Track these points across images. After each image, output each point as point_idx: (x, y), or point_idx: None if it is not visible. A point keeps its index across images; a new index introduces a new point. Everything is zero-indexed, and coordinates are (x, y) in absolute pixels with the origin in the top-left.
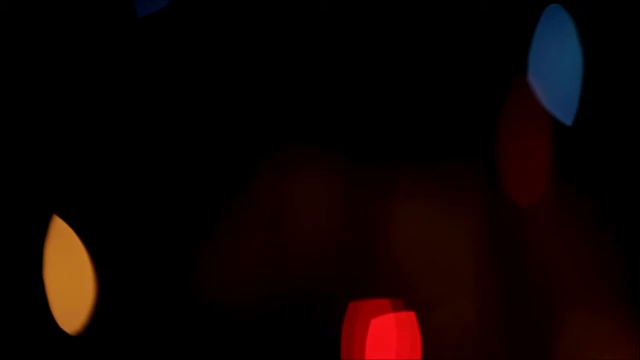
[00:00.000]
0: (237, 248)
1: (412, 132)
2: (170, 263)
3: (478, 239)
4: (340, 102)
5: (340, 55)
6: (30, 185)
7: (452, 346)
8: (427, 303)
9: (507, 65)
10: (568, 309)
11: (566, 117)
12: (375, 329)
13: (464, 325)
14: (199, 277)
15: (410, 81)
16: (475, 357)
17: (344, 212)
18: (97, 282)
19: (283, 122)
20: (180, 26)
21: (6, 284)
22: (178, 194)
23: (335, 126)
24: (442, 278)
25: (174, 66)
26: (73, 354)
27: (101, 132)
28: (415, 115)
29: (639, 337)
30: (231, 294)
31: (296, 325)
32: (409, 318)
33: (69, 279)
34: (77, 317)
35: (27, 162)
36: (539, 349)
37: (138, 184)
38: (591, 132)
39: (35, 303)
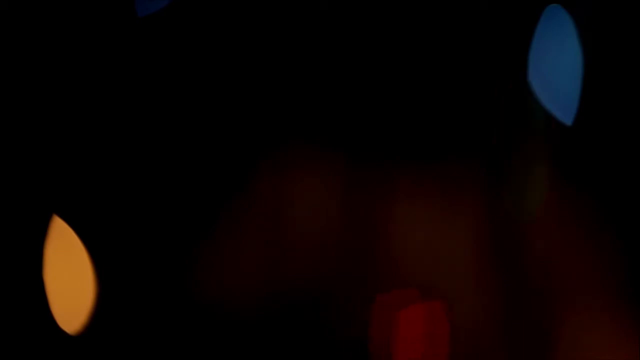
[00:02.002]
0: (237, 248)
1: (412, 132)
2: (170, 263)
3: (478, 239)
4: (340, 102)
5: (341, 55)
6: (30, 185)
7: (451, 346)
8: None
9: (507, 65)
10: (568, 309)
11: (566, 117)
12: (404, 319)
13: (464, 325)
14: (199, 277)
15: (410, 81)
16: (476, 357)
17: (344, 212)
18: (97, 282)
19: (283, 122)
20: (180, 26)
21: (6, 284)
22: (178, 194)
23: (335, 126)
24: (442, 278)
25: (174, 66)
26: (73, 354)
27: (101, 132)
28: (415, 115)
29: (639, 337)
30: (231, 294)
31: (296, 325)
32: (438, 307)
33: (69, 279)
34: (77, 317)
35: (27, 162)
36: (539, 349)
37: (138, 184)
38: (591, 132)
39: (35, 303)
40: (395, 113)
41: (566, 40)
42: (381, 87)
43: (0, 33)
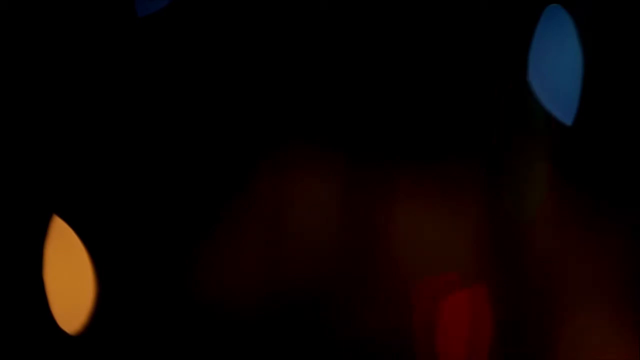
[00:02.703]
0: (237, 248)
1: (412, 132)
2: (170, 263)
3: (478, 239)
4: (340, 102)
5: (340, 55)
6: (30, 185)
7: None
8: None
9: (507, 65)
10: (568, 309)
11: (566, 117)
12: (447, 305)
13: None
14: (199, 277)
15: (410, 81)
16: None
17: (344, 212)
18: (97, 282)
19: (283, 122)
20: (180, 26)
21: (6, 284)
22: (178, 194)
23: (335, 126)
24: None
25: (174, 66)
26: (73, 354)
27: (101, 132)
28: (415, 115)
29: (639, 337)
30: (231, 294)
31: (296, 325)
32: (480, 292)
33: (69, 279)
34: (77, 317)
35: (27, 162)
36: (539, 349)
37: (138, 184)
38: (591, 132)
39: (35, 303)
40: (395, 113)
41: (566, 40)
42: (381, 87)
43: (0, 33)
